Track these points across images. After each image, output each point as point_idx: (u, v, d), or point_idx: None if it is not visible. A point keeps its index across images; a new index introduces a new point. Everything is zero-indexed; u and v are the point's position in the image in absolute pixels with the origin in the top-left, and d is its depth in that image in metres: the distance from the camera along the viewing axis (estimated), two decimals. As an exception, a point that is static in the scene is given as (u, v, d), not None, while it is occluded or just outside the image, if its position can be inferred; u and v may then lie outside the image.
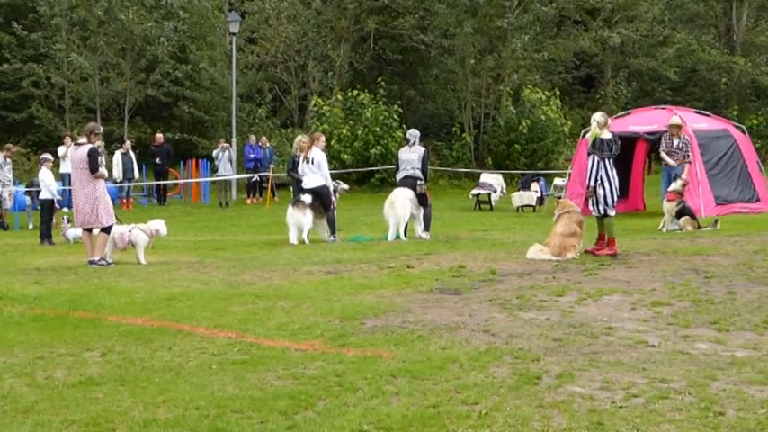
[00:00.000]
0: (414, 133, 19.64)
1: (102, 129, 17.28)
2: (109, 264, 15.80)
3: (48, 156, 22.78)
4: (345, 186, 21.47)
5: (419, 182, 19.00)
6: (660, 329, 9.45)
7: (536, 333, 9.29)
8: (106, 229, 16.04)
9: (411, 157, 19.15)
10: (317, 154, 19.13)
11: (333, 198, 19.42)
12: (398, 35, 43.90)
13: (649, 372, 7.71)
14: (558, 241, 15.22)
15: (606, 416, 6.55)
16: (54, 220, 21.73)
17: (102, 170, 16.48)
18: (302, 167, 19.17)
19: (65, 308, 11.38)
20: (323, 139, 20.18)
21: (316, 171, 18.99)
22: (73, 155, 16.47)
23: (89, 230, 16.20)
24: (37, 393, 7.47)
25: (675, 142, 21.41)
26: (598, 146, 15.46)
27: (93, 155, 15.90)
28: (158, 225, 16.53)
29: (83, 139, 16.30)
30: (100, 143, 16.58)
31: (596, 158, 15.44)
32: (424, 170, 19.14)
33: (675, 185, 19.96)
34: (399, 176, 19.49)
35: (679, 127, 21.62)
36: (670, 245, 16.54)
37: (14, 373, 8.14)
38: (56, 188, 22.36)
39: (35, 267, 15.88)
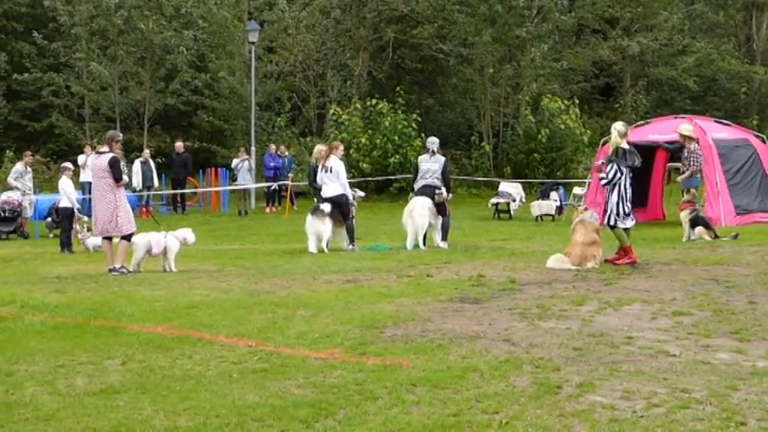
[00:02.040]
0: (433, 141, 19.64)
1: (122, 136, 17.33)
2: (129, 272, 15.84)
3: (68, 164, 22.84)
4: (361, 194, 21.45)
5: (437, 191, 18.98)
6: (681, 339, 9.42)
7: (556, 342, 9.28)
8: (127, 237, 16.08)
9: (433, 167, 19.12)
10: (335, 163, 19.14)
11: (352, 206, 19.43)
12: (417, 44, 43.97)
13: (670, 382, 7.69)
14: (579, 251, 15.20)
15: (627, 426, 6.54)
16: (75, 229, 21.78)
17: (125, 178, 16.54)
18: (320, 176, 19.20)
19: (85, 316, 11.41)
20: (341, 147, 20.15)
21: (334, 180, 19.00)
22: (93, 163, 16.53)
23: (109, 239, 16.24)
24: (58, 401, 7.49)
25: (685, 152, 21.33)
26: (621, 155, 15.48)
27: (114, 164, 15.93)
28: (185, 233, 16.56)
29: (104, 148, 16.34)
30: (118, 151, 16.63)
31: (618, 166, 15.43)
32: (446, 180, 19.18)
33: (686, 195, 19.97)
34: (418, 185, 19.47)
35: (683, 137, 21.45)
36: (690, 254, 16.49)
37: (36, 381, 8.16)
38: (75, 197, 22.41)
39: (55, 276, 15.92)
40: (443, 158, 19.33)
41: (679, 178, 21.17)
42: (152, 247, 16.18)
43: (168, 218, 30.09)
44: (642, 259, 15.66)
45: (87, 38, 40.87)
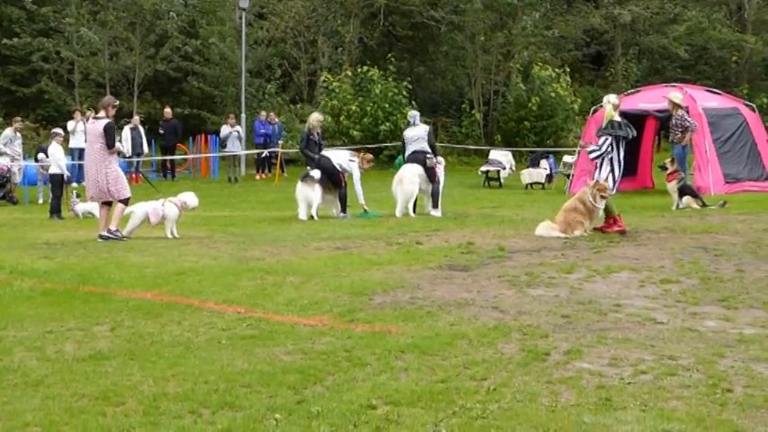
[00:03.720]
0: (413, 114, 19.99)
1: (118, 102, 17.32)
2: (123, 236, 15.83)
3: (58, 130, 22.79)
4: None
5: (428, 155, 19.09)
6: (669, 307, 9.46)
7: (545, 310, 9.31)
8: (124, 201, 16.07)
9: (417, 132, 19.33)
10: (355, 166, 19.31)
11: (343, 177, 19.42)
12: (408, 11, 43.70)
13: (657, 349, 7.73)
14: (563, 217, 15.23)
15: (614, 392, 6.57)
16: (63, 195, 21.74)
17: (119, 145, 16.54)
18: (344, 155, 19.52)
19: (74, 282, 11.42)
20: (372, 163, 20.61)
21: (344, 163, 19.13)
22: (89, 128, 16.54)
23: (108, 204, 16.18)
24: (47, 367, 7.50)
25: (673, 120, 21.42)
26: (616, 126, 15.46)
27: (109, 130, 15.95)
28: (186, 197, 16.55)
29: (101, 113, 16.35)
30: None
31: (611, 138, 15.41)
32: (431, 145, 19.26)
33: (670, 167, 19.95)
34: (407, 153, 19.57)
35: (673, 104, 21.52)
36: (679, 223, 16.52)
37: (25, 347, 8.17)
38: (65, 163, 22.35)
39: (44, 242, 15.91)
40: (426, 126, 19.44)
41: (682, 140, 21.22)
42: (150, 217, 16.17)
43: (158, 184, 30.05)
44: (631, 227, 15.68)
45: (77, 3, 40.70)
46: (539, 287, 10.61)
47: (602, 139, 15.55)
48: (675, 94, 22.09)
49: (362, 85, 38.86)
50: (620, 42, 47.47)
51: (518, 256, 12.98)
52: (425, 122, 19.92)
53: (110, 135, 15.92)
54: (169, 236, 16.03)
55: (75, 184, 24.48)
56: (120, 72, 41.78)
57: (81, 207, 20.61)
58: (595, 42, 48.79)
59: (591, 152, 15.76)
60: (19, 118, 28.95)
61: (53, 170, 21.58)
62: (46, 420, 6.14)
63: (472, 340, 8.08)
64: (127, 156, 31.08)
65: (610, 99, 15.97)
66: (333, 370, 7.24)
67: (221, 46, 41.39)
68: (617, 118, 15.62)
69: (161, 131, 34.40)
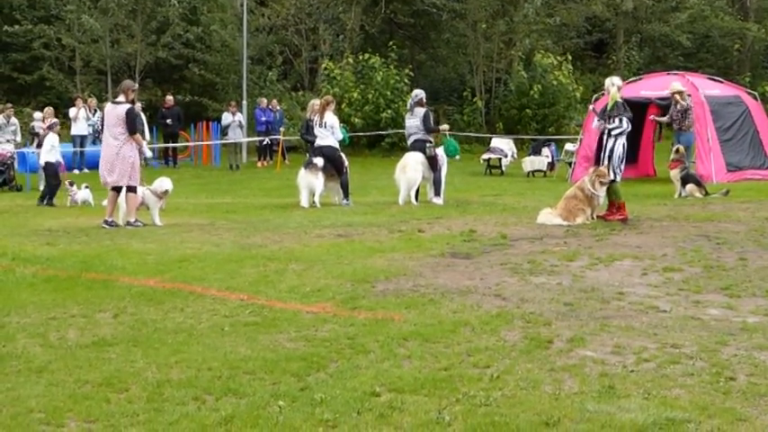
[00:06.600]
0: (414, 94, 19.75)
1: (137, 86, 17.30)
2: (143, 224, 15.84)
3: (56, 120, 22.77)
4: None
5: (428, 144, 19.03)
6: (671, 295, 9.46)
7: (547, 297, 9.32)
8: (132, 189, 16.06)
9: (413, 122, 19.27)
10: (330, 118, 19.11)
11: (345, 161, 19.38)
12: (410, -2, 43.74)
13: (660, 337, 7.73)
14: (564, 204, 15.24)
15: (617, 380, 6.58)
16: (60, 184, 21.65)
17: (140, 138, 16.52)
18: (316, 130, 19.16)
19: (77, 269, 11.41)
20: (334, 102, 20.18)
21: (329, 135, 18.98)
22: (109, 112, 16.46)
23: (117, 191, 16.16)
24: (50, 353, 7.50)
25: (677, 106, 21.48)
26: (622, 108, 15.43)
27: (130, 115, 15.97)
28: (163, 183, 16.54)
29: (120, 98, 16.36)
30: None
31: (625, 120, 15.37)
32: (427, 129, 19.15)
33: (674, 154, 19.94)
34: (409, 142, 19.57)
35: (679, 93, 21.60)
36: (681, 211, 16.53)
37: (27, 334, 8.18)
38: (59, 151, 22.21)
39: (47, 229, 15.90)
40: (423, 110, 19.27)
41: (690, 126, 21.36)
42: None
43: (160, 171, 30.04)
44: (633, 215, 15.70)
45: (78, -10, 40.58)
46: (541, 275, 10.61)
47: (618, 120, 15.43)
48: (676, 83, 22.14)
49: (364, 73, 38.79)
50: (621, 30, 47.42)
51: (520, 243, 13.00)
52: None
53: (130, 120, 15.96)
54: (157, 223, 16.08)
55: (76, 171, 24.37)
56: (121, 59, 41.63)
57: (81, 195, 20.65)
58: (597, 30, 48.72)
59: (612, 128, 15.51)
60: (10, 105, 29.10)
61: (48, 159, 21.40)
62: (50, 406, 6.15)
63: (475, 328, 8.08)
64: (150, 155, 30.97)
65: (614, 81, 15.91)
66: (336, 357, 7.25)
67: (222, 33, 41.32)
68: (619, 99, 15.60)
69: (168, 121, 34.26)
